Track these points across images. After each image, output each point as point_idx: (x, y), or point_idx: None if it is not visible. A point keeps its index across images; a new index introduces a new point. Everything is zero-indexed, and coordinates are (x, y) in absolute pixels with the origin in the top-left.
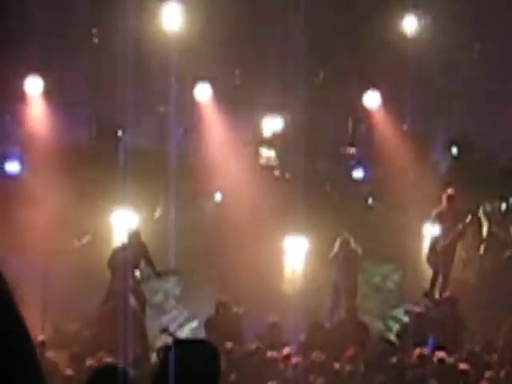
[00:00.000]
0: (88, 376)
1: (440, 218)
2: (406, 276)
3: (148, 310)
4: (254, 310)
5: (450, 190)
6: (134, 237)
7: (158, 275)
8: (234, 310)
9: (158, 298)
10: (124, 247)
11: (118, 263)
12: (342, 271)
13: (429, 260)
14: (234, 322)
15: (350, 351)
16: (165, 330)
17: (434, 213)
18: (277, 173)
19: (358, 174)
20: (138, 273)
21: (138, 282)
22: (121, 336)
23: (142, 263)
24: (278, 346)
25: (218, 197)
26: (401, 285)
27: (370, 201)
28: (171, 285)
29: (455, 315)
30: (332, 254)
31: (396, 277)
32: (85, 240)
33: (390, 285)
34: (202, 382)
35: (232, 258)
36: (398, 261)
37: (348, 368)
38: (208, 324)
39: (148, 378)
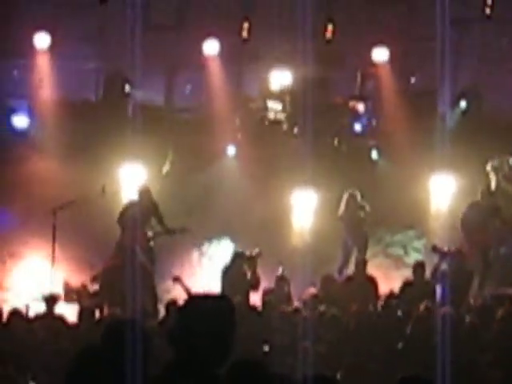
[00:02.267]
0: (101, 331)
1: None
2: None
3: None
4: (264, 263)
5: None
6: (145, 194)
7: (169, 232)
8: (248, 253)
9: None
10: (134, 204)
11: (127, 220)
12: (351, 228)
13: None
14: (249, 269)
15: (354, 307)
16: (177, 279)
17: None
18: (285, 127)
19: (365, 128)
20: (149, 231)
21: (147, 240)
22: (129, 289)
23: (153, 221)
24: (286, 300)
25: (230, 151)
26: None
27: (376, 155)
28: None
29: (464, 269)
30: (340, 212)
31: (419, 245)
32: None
33: (415, 255)
34: (218, 337)
35: (242, 212)
36: (418, 225)
37: (353, 323)
38: (224, 273)
39: (157, 331)
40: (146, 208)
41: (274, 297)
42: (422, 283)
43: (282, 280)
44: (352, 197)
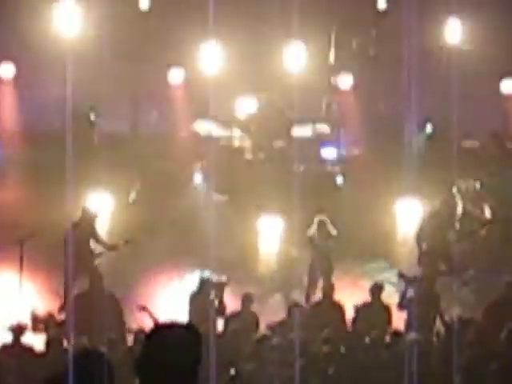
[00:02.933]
0: (64, 362)
1: None
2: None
3: None
4: (232, 289)
5: None
6: (85, 216)
7: (113, 248)
8: (215, 280)
9: None
10: (75, 225)
11: (72, 241)
12: (318, 252)
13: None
14: (217, 295)
15: (324, 333)
16: (143, 309)
17: None
18: (250, 154)
19: (331, 154)
20: (96, 249)
21: (92, 258)
22: (95, 318)
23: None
24: (254, 326)
25: (196, 179)
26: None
27: (342, 181)
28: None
29: (431, 293)
30: (309, 235)
31: (390, 276)
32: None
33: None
34: (184, 368)
35: (209, 239)
36: (387, 253)
37: (325, 350)
38: (191, 300)
39: (124, 359)
40: (86, 229)
41: (240, 321)
42: (380, 305)
43: (246, 298)
44: (323, 224)
